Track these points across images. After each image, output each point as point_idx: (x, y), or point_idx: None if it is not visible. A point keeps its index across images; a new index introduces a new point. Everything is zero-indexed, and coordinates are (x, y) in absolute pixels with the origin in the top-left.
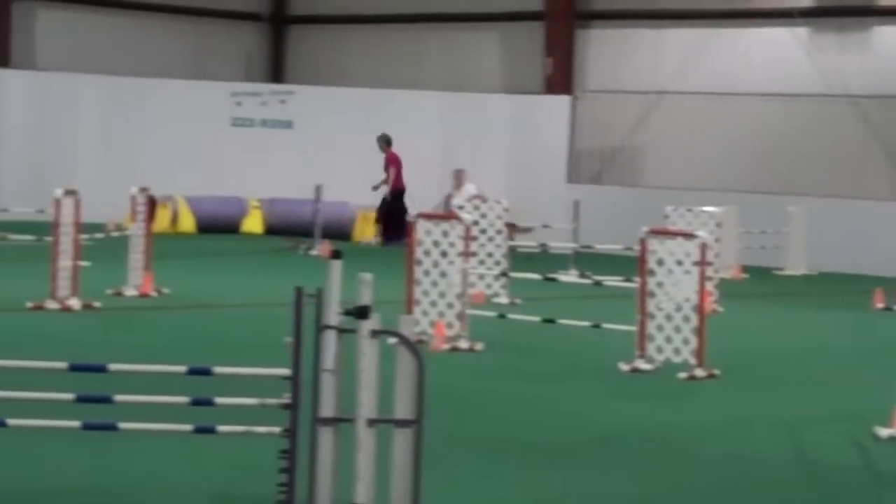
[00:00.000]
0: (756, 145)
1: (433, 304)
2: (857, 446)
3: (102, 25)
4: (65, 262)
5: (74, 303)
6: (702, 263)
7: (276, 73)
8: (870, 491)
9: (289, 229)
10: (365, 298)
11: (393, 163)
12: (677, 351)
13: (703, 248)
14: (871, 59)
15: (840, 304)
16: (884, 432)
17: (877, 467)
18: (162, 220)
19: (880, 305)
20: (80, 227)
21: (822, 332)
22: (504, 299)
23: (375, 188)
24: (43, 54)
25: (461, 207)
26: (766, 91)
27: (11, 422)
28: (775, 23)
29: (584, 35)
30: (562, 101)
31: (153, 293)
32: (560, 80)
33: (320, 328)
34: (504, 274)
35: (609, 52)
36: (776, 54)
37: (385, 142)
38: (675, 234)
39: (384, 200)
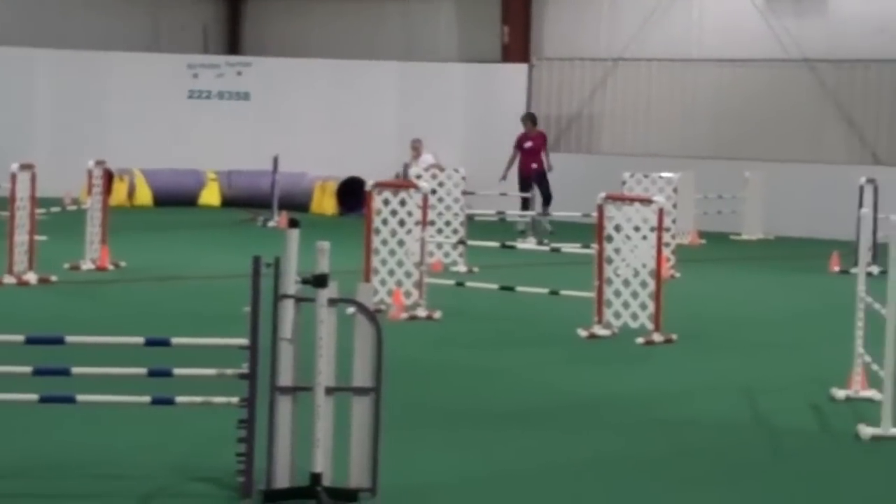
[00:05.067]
0: (712, 111)
1: (391, 273)
2: (813, 409)
3: None
4: (21, 237)
5: (31, 277)
6: (659, 229)
7: (233, 45)
8: (827, 453)
9: (246, 201)
10: (322, 267)
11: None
12: (635, 316)
13: (660, 213)
14: (826, 23)
15: (796, 268)
16: (840, 394)
17: (833, 429)
18: (119, 194)
19: (836, 269)
20: (36, 202)
21: (779, 297)
22: (462, 267)
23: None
24: None
25: (419, 176)
26: (722, 56)
27: None
28: None
29: (541, 3)
30: (519, 70)
31: (110, 266)
32: (517, 48)
33: (278, 297)
34: (462, 242)
35: (565, 20)
36: (732, 19)
37: (531, 120)
38: (632, 200)
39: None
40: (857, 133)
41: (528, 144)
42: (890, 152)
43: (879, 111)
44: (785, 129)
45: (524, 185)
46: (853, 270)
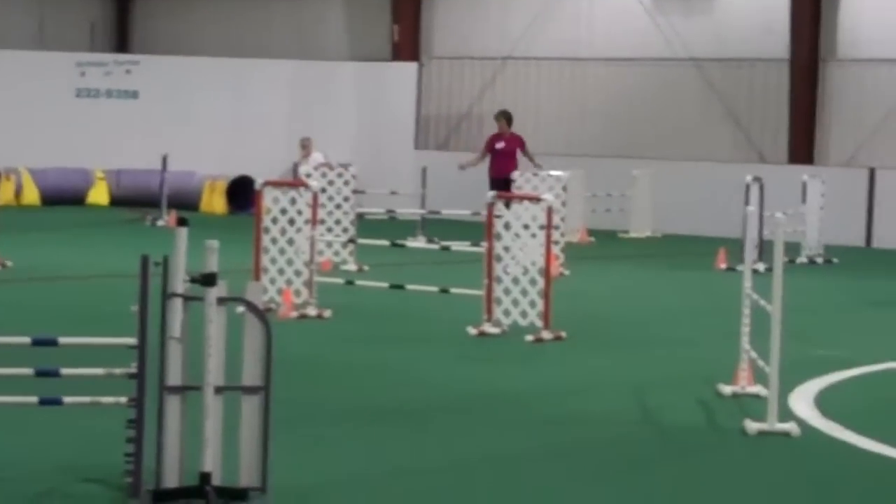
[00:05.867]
0: (601, 109)
1: (281, 271)
2: (701, 404)
3: None
4: None
5: None
6: (548, 227)
7: (121, 43)
8: (714, 448)
9: (135, 200)
10: (211, 265)
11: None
12: (524, 314)
13: (549, 211)
14: (713, 23)
15: (684, 265)
16: (727, 390)
17: (720, 424)
18: (5, 193)
19: (723, 266)
20: None
21: (667, 294)
22: (352, 266)
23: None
24: None
25: (309, 175)
26: (610, 56)
27: None
28: None
29: (431, 2)
30: (409, 68)
31: None
32: (407, 46)
33: (167, 296)
34: (352, 241)
35: (455, 19)
36: (621, 19)
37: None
38: (521, 198)
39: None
40: (743, 132)
41: (500, 146)
42: (775, 151)
43: (765, 110)
44: (672, 128)
45: (495, 189)
46: (739, 268)
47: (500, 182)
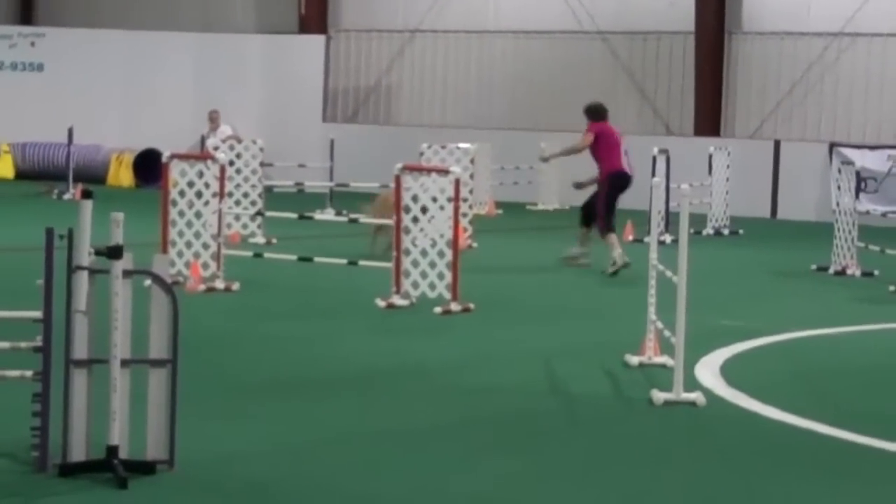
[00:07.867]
0: (508, 82)
1: (189, 244)
2: (608, 375)
3: None
4: None
5: None
6: (456, 199)
7: (26, 15)
8: (621, 417)
9: (41, 173)
10: (117, 238)
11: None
12: (433, 286)
13: (457, 183)
14: None
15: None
16: (633, 360)
17: (627, 394)
18: None
19: (630, 237)
20: None
21: (574, 266)
22: (260, 239)
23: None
24: None
25: (216, 148)
26: (517, 28)
27: None
28: None
29: None
30: (316, 41)
31: None
32: (314, 19)
33: (72, 269)
34: (260, 213)
35: None
36: None
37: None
38: (429, 171)
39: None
40: (649, 104)
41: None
42: (682, 123)
43: (672, 83)
44: (579, 101)
45: (617, 189)
46: (646, 239)
47: (624, 179)
